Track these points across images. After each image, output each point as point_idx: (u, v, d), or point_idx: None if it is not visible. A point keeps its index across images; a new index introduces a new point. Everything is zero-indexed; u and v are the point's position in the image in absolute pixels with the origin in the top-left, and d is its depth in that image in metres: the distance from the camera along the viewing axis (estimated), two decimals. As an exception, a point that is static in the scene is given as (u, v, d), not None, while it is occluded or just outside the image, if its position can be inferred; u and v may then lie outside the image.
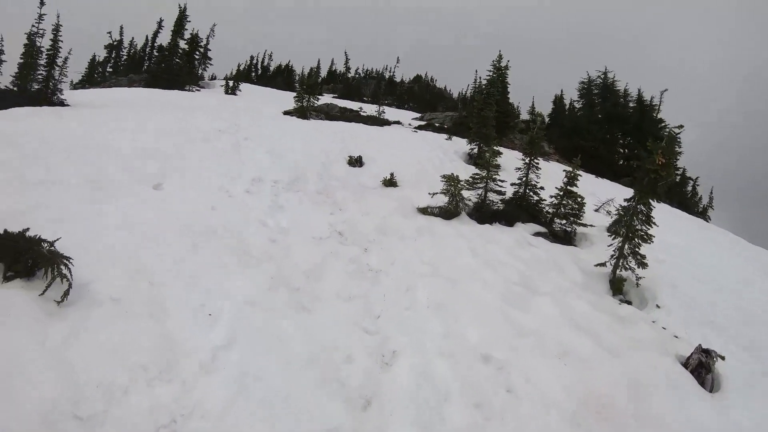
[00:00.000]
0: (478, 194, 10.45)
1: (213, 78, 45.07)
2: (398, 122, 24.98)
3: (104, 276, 5.41)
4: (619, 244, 7.99)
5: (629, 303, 7.54)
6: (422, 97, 51.73)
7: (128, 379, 4.16)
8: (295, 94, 22.38)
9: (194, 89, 29.94)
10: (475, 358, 5.30)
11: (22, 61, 17.37)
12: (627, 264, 7.92)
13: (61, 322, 4.56)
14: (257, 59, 59.23)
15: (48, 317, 4.55)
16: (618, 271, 7.99)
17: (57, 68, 17.32)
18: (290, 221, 8.35)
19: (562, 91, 38.86)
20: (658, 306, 7.40)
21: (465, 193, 10.14)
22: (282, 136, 13.61)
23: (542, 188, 10.74)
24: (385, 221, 9.00)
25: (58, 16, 17.44)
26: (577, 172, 9.94)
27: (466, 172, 13.47)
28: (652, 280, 8.06)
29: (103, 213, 6.88)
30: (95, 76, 42.53)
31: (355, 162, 12.56)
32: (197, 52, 33.85)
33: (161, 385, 4.20)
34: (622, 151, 32.02)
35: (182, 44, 31.82)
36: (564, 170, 10.28)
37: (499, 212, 10.24)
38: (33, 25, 17.18)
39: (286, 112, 21.60)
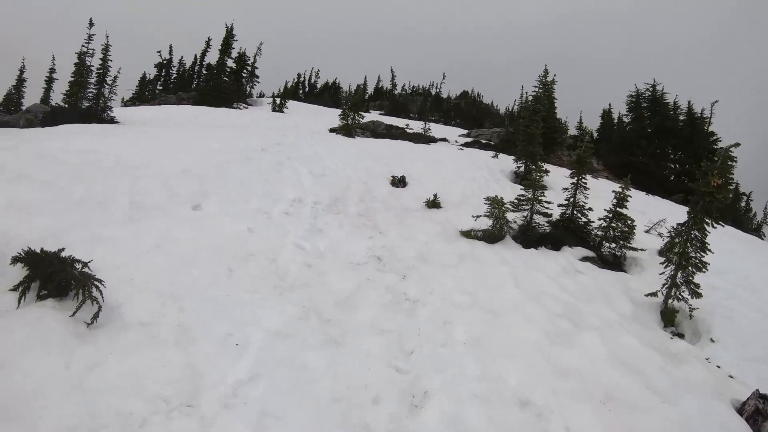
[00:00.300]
0: (524, 216, 10.07)
1: (261, 95, 46.14)
2: (444, 139, 24.77)
3: (135, 299, 5.36)
4: (672, 273, 7.50)
5: (681, 336, 7.03)
6: (469, 113, 51.47)
7: (147, 410, 4.02)
8: (340, 111, 22.37)
9: (242, 107, 30.58)
10: (512, 403, 4.91)
11: (72, 79, 18.23)
12: (680, 294, 7.40)
13: (89, 345, 4.51)
14: (304, 77, 60.50)
15: (76, 339, 4.51)
16: (670, 302, 7.49)
17: (107, 86, 18.24)
18: (328, 245, 8.19)
19: (610, 105, 38.08)
20: (712, 340, 6.84)
21: (510, 216, 9.75)
22: (325, 155, 13.53)
23: (590, 209, 10.30)
24: (426, 246, 8.71)
25: (107, 37, 18.24)
26: (627, 192, 9.47)
27: (512, 191, 13.16)
28: (706, 311, 7.50)
29: (140, 234, 6.88)
30: (146, 94, 44.10)
31: (398, 182, 12.37)
32: (245, 70, 34.74)
33: (180, 418, 4.04)
34: (672, 166, 30.77)
35: (230, 63, 32.75)
36: (613, 191, 9.80)
37: (545, 236, 9.82)
38: (83, 45, 18.03)
39: (332, 130, 21.65)
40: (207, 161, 10.78)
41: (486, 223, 9.63)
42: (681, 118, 30.99)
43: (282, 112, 30.23)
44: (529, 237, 9.71)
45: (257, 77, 37.28)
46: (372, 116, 33.26)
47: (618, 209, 9.52)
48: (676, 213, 14.57)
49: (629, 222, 9.50)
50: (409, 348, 5.72)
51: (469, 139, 27.09)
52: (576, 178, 10.42)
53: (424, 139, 22.67)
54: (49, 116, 16.94)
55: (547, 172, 15.41)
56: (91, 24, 18.06)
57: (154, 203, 8.07)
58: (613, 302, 7.53)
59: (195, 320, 5.34)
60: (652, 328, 7.04)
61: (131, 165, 9.44)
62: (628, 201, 9.56)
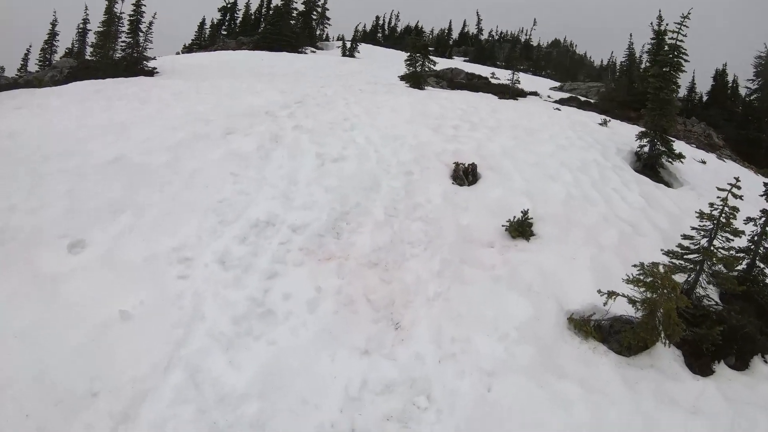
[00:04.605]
0: (687, 281, 4.71)
1: (340, 38, 40.58)
2: (535, 93, 19.24)
3: None
4: None
5: None
6: (561, 64, 44.11)
7: None
8: (406, 56, 16.84)
9: (308, 51, 25.92)
10: None
11: (101, 29, 15.39)
12: None
13: None
14: (384, 19, 53.44)
15: None
16: None
17: (141, 34, 15.27)
18: (264, 373, 3.32)
19: (725, 65, 29.03)
20: None
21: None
22: (359, 120, 8.42)
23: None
24: (488, 396, 3.49)
25: (138, -24, 14.68)
26: None
27: (639, 192, 7.56)
28: None
29: None
30: (205, 40, 38.93)
31: (465, 175, 6.93)
32: (314, 12, 29.73)
33: None
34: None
35: (297, 4, 27.85)
36: None
37: (728, 337, 4.14)
38: (109, -12, 15.01)
39: (402, 78, 16.54)
40: (164, 139, 6.51)
41: (623, 307, 4.20)
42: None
43: (353, 56, 25.31)
44: (700, 342, 4.13)
45: (328, 19, 32.16)
46: (455, 63, 27.74)
47: None
48: None
49: None
50: None
51: (563, 94, 21.01)
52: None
53: (512, 92, 16.91)
54: (76, 71, 14.63)
55: (681, 157, 9.58)
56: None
57: (27, 232, 4.36)
58: None
59: None
60: None
61: (51, 152, 5.88)
62: None
